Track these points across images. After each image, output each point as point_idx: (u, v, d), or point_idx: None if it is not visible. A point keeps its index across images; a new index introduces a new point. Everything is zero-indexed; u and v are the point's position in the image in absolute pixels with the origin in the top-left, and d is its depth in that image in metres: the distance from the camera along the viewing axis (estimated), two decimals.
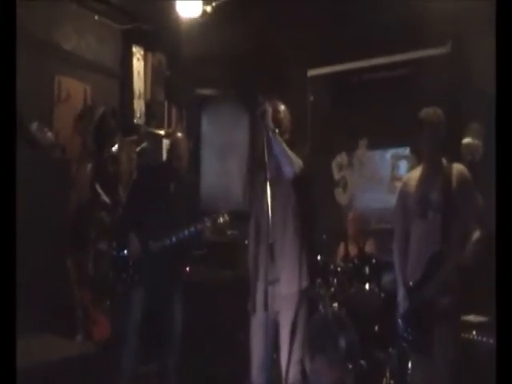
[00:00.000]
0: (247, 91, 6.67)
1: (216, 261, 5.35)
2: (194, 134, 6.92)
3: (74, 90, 5.57)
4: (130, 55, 6.30)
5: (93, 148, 5.33)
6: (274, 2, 5.89)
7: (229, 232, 5.57)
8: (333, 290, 4.79)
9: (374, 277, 4.79)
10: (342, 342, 4.48)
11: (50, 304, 4.17)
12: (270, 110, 3.26)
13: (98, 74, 5.96)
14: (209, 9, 5.95)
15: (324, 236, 4.86)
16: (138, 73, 6.34)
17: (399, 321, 3.37)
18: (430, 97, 4.71)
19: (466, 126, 5.20)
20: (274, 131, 3.23)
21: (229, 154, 6.91)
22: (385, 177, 6.14)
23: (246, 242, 3.74)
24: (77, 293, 4.60)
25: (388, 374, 4.29)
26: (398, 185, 3.88)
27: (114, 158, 5.48)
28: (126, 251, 4.07)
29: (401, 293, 3.37)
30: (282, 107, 3.54)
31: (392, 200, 3.76)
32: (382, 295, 4.67)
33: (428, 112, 3.34)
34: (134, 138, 5.90)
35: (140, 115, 6.25)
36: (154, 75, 6.52)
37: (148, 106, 6.35)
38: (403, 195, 3.49)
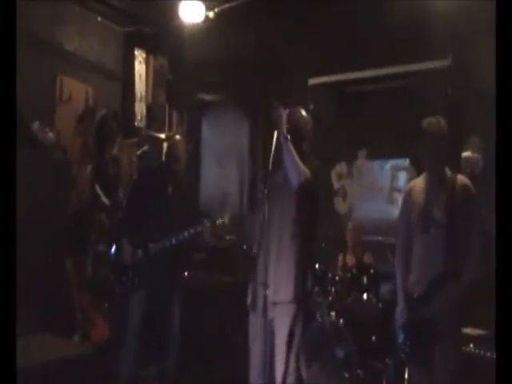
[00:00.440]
0: (248, 97, 6.70)
1: (215, 265, 5.35)
2: (195, 138, 6.93)
3: (76, 91, 5.56)
4: (131, 58, 6.30)
5: (93, 149, 5.32)
6: (277, 9, 5.91)
7: (227, 237, 5.57)
8: (330, 298, 4.79)
9: (372, 287, 4.80)
10: (339, 352, 4.50)
11: (48, 304, 4.14)
12: (284, 115, 3.23)
13: (100, 76, 5.95)
14: (211, 14, 5.96)
15: (323, 244, 4.87)
16: (140, 76, 6.34)
17: (398, 332, 3.34)
18: (430, 109, 4.74)
19: (466, 139, 5.24)
20: (286, 138, 3.16)
21: (228, 158, 6.93)
22: (384, 187, 6.17)
23: (245, 247, 3.73)
24: (76, 294, 4.57)
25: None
26: (400, 195, 3.85)
27: (115, 160, 5.46)
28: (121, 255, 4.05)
29: (401, 305, 3.34)
30: (303, 114, 3.47)
31: (391, 210, 3.77)
32: (380, 305, 4.69)
33: (431, 122, 3.27)
34: (135, 140, 5.90)
35: (141, 118, 6.25)
36: (156, 78, 6.52)
37: (149, 108, 6.35)
38: (406, 206, 3.43)
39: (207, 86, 6.90)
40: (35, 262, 4.07)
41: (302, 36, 6.04)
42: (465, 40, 5.32)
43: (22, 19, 4.87)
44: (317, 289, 4.75)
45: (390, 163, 6.15)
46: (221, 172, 6.95)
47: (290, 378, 3.32)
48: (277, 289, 3.23)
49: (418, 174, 3.60)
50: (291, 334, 3.28)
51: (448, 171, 3.28)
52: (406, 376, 3.74)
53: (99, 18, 5.96)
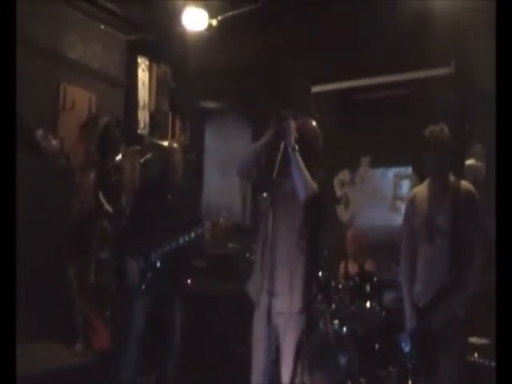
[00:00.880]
0: (251, 104, 6.71)
1: (217, 273, 5.34)
2: (197, 146, 6.94)
3: (79, 99, 5.58)
4: (135, 65, 6.32)
5: (96, 157, 5.33)
6: (280, 17, 5.93)
7: (230, 245, 5.56)
8: (334, 306, 4.78)
9: (376, 295, 4.79)
10: (342, 360, 4.49)
11: (51, 312, 4.13)
12: (293, 125, 3.20)
13: (103, 83, 5.97)
14: (214, 22, 5.98)
15: (325, 252, 4.86)
16: (143, 83, 6.36)
17: (404, 342, 3.32)
18: (432, 116, 4.74)
19: (469, 147, 5.23)
20: (294, 149, 3.12)
21: (231, 166, 6.91)
22: (387, 195, 6.15)
23: (247, 255, 3.70)
24: (78, 301, 4.56)
25: None
26: (403, 203, 3.83)
27: (118, 167, 5.47)
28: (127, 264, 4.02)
29: (407, 315, 3.32)
30: (313, 125, 3.40)
31: (394, 218, 3.75)
32: (383, 313, 4.67)
33: (434, 130, 3.26)
34: (138, 148, 5.90)
35: (144, 125, 6.26)
36: (159, 86, 6.53)
37: (152, 116, 6.36)
38: (409, 214, 3.41)
39: (210, 94, 6.91)
40: (37, 269, 4.07)
41: (305, 44, 6.06)
42: (467, 47, 5.32)
43: (25, 27, 4.94)
44: (320, 297, 4.74)
45: (393, 171, 6.15)
46: (223, 180, 6.94)
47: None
48: (285, 299, 3.19)
49: (421, 181, 3.56)
50: (300, 344, 3.24)
51: (452, 178, 3.27)
52: None
53: (102, 26, 5.98)
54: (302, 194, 3.12)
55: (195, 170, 6.73)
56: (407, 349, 3.24)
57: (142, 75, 6.36)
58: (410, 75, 5.94)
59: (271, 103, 6.33)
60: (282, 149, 3.09)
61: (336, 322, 4.68)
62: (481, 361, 3.84)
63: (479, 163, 5.13)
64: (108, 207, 5.15)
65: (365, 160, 6.34)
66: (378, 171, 6.27)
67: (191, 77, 6.68)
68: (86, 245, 4.89)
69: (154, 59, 6.51)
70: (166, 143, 6.11)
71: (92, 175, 5.19)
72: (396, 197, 6.03)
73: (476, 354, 3.87)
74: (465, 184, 3.25)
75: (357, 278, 4.92)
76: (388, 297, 4.78)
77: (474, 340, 3.93)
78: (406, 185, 5.97)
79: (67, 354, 4.15)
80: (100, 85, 5.90)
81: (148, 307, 4.00)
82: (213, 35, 6.06)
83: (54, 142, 4.94)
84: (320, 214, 3.41)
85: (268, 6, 5.72)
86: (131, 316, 3.99)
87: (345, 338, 4.53)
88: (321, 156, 3.41)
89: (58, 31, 5.50)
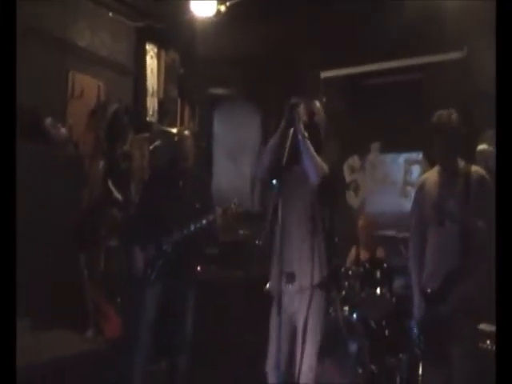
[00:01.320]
0: (260, 91, 6.68)
1: (227, 260, 5.34)
2: (206, 133, 6.92)
3: (88, 87, 5.58)
4: (143, 53, 6.30)
5: (105, 144, 5.33)
6: (288, 2, 5.88)
7: (241, 231, 5.55)
8: (344, 293, 4.77)
9: (386, 281, 4.76)
10: (352, 346, 4.49)
11: (62, 299, 4.16)
12: (302, 113, 3.18)
13: (112, 71, 5.96)
14: (223, 8, 5.95)
15: (336, 239, 4.84)
16: (152, 70, 6.34)
17: (413, 328, 3.32)
18: (444, 101, 4.68)
19: (481, 132, 5.17)
20: (304, 136, 3.12)
21: (240, 153, 6.91)
22: (397, 181, 6.12)
23: (257, 241, 3.69)
24: (89, 289, 4.58)
25: (398, 380, 4.26)
26: (413, 189, 3.80)
27: (127, 154, 5.47)
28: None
29: (416, 301, 3.31)
30: (318, 107, 3.37)
31: (404, 204, 3.73)
32: (394, 300, 4.65)
33: (442, 115, 3.24)
34: (147, 135, 5.90)
35: (153, 113, 6.25)
36: (168, 73, 6.51)
37: (161, 103, 6.35)
38: (419, 199, 3.39)
39: (219, 81, 6.87)
40: (47, 258, 4.09)
41: (314, 29, 6.01)
42: (480, 31, 5.24)
43: (33, 16, 4.93)
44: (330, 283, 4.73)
45: (404, 156, 6.10)
46: (232, 166, 6.93)
47: (305, 377, 3.28)
48: (304, 278, 3.19)
49: (432, 167, 3.54)
50: (306, 325, 3.23)
51: (461, 163, 3.24)
52: (420, 371, 3.71)
53: (111, 14, 5.97)
54: (313, 178, 3.13)
55: (205, 156, 6.71)
56: (416, 335, 3.24)
57: (151, 62, 6.34)
58: (420, 60, 5.87)
59: (280, 89, 6.30)
60: (291, 136, 3.09)
61: (346, 308, 4.67)
62: (493, 348, 3.81)
63: (491, 148, 5.07)
64: (117, 195, 5.16)
65: (375, 146, 6.29)
66: (388, 157, 6.22)
67: (200, 63, 6.65)
68: (95, 233, 4.90)
69: (162, 46, 6.49)
70: (175, 130, 6.12)
71: (101, 163, 5.19)
72: (406, 182, 5.99)
73: (488, 342, 3.85)
74: (476, 169, 3.23)
75: (367, 265, 4.90)
76: (398, 283, 4.76)
77: (485, 327, 3.90)
78: (416, 170, 5.92)
79: (79, 341, 4.17)
80: (108, 72, 5.90)
81: (159, 295, 4.01)
82: (221, 21, 6.02)
83: (63, 130, 4.95)
84: (331, 198, 3.40)
85: None
86: (142, 304, 3.99)
87: (355, 325, 4.52)
88: (328, 137, 3.40)
89: (67, 19, 5.50)
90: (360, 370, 4.35)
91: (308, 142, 3.11)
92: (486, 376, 3.31)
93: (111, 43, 6.00)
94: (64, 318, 4.06)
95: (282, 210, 3.01)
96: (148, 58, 6.31)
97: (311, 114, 3.28)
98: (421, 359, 3.56)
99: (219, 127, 7.16)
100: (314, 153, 3.13)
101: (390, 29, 5.55)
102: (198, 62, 6.65)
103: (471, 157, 4.84)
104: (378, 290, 4.73)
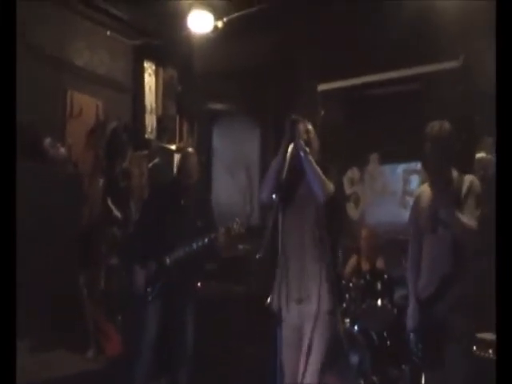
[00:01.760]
0: (258, 105, 6.70)
1: (228, 275, 5.33)
2: (206, 149, 6.94)
3: (86, 106, 5.61)
4: (141, 70, 6.35)
5: (104, 163, 5.35)
6: (285, 17, 5.92)
7: (240, 246, 5.55)
8: (345, 305, 4.76)
9: (387, 292, 4.75)
10: (354, 358, 4.47)
11: (62, 319, 4.16)
12: (302, 129, 3.20)
13: (110, 89, 6.00)
14: (220, 24, 5.98)
15: (340, 253, 4.85)
16: (150, 88, 6.38)
17: (410, 335, 3.32)
18: (442, 111, 4.70)
19: (480, 140, 5.18)
20: (305, 151, 3.14)
21: (239, 167, 6.92)
22: (396, 191, 6.11)
23: (257, 256, 3.67)
24: (89, 308, 4.59)
25: None
26: (411, 198, 3.82)
27: (126, 172, 5.49)
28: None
29: (411, 307, 3.33)
30: (310, 127, 3.35)
31: (404, 214, 3.74)
32: (395, 311, 4.64)
33: (434, 126, 3.28)
34: (146, 152, 5.92)
35: (151, 130, 6.28)
36: (166, 90, 6.55)
37: (159, 120, 6.38)
38: (415, 210, 3.44)
39: (217, 96, 6.90)
40: (46, 276, 4.10)
41: (311, 43, 6.04)
42: (476, 40, 5.26)
43: (32, 35, 4.99)
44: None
45: (402, 167, 6.10)
46: (232, 181, 6.94)
47: None
48: (313, 302, 3.18)
49: (429, 177, 3.57)
50: (311, 345, 3.22)
51: (455, 172, 3.26)
52: (423, 382, 3.69)
53: (108, 32, 6.01)
54: (320, 196, 3.13)
55: (204, 171, 6.73)
56: (413, 343, 3.24)
57: (149, 80, 6.38)
58: (417, 70, 5.88)
59: (278, 103, 6.33)
60: (290, 151, 3.10)
61: (347, 320, 4.66)
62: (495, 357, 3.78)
63: (489, 156, 5.07)
64: (117, 213, 5.17)
65: (373, 156, 6.29)
66: (387, 168, 6.22)
67: (198, 79, 6.68)
68: (95, 251, 4.91)
69: (160, 63, 6.54)
70: (173, 147, 6.15)
71: (100, 181, 5.21)
72: (406, 193, 5.98)
73: (490, 351, 3.82)
74: (469, 177, 3.25)
75: (368, 276, 4.89)
76: (399, 294, 4.74)
77: (487, 336, 3.89)
78: (415, 180, 5.91)
79: (79, 360, 4.17)
80: (107, 91, 5.94)
81: (160, 312, 4.00)
82: (218, 37, 6.06)
83: (62, 150, 4.98)
84: (334, 214, 3.41)
85: (274, 6, 5.72)
86: (143, 321, 4.00)
87: (356, 337, 4.51)
88: (323, 156, 3.42)
89: (65, 38, 5.55)
90: (362, 382, 4.33)
91: (310, 157, 3.13)
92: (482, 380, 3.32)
93: (109, 61, 6.04)
94: (64, 338, 4.06)
95: (282, 225, 3.01)
96: (146, 76, 6.35)
97: (307, 132, 3.31)
98: (422, 369, 3.55)
99: (218, 142, 7.18)
100: (318, 168, 3.14)
101: (384, 38, 5.58)
102: (196, 78, 6.69)
103: (468, 165, 4.86)
104: (379, 302, 4.72)
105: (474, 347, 3.03)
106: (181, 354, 4.04)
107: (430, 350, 3.20)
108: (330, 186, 3.17)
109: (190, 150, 4.41)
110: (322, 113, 6.21)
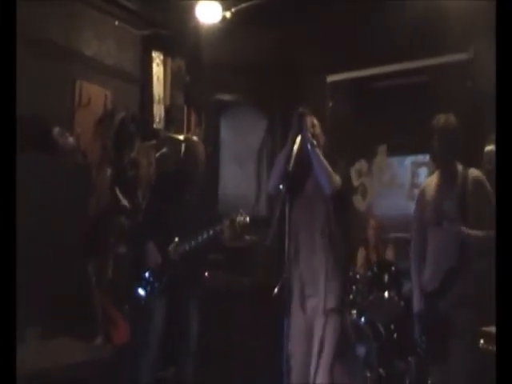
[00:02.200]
0: (266, 96, 6.69)
1: (234, 266, 5.34)
2: (213, 139, 6.94)
3: (95, 95, 5.60)
4: (149, 60, 6.32)
5: (112, 153, 5.36)
6: (294, 7, 5.89)
7: (247, 237, 5.55)
8: (351, 297, 4.77)
9: (394, 285, 4.77)
10: (361, 350, 4.48)
11: (70, 308, 4.18)
12: (309, 122, 3.20)
13: (118, 80, 5.98)
14: (228, 14, 5.96)
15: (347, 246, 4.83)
16: (158, 78, 6.36)
17: (414, 327, 3.35)
18: (450, 103, 4.68)
19: (489, 133, 5.15)
20: (312, 144, 3.15)
21: (247, 158, 6.92)
22: (404, 183, 6.11)
23: (264, 243, 3.66)
24: (97, 296, 4.61)
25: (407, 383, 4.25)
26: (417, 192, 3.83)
27: (134, 162, 5.50)
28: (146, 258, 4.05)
29: (416, 300, 3.35)
30: (316, 122, 3.42)
31: (411, 207, 3.74)
32: (402, 303, 4.64)
33: (440, 119, 3.30)
34: (153, 142, 5.92)
35: (159, 120, 6.26)
36: (174, 80, 6.52)
37: (167, 110, 6.36)
38: (420, 203, 3.47)
39: (225, 87, 6.89)
40: (56, 267, 4.11)
41: (319, 33, 6.01)
42: (486, 31, 5.22)
43: (40, 26, 4.99)
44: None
45: (410, 159, 6.10)
46: (239, 172, 6.94)
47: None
48: (320, 297, 3.18)
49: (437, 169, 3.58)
50: (323, 342, 3.23)
51: (460, 166, 3.28)
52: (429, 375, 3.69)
53: (117, 22, 5.99)
54: (327, 189, 3.14)
55: (211, 162, 6.73)
56: (418, 334, 3.26)
57: (157, 70, 6.36)
58: (426, 62, 5.86)
59: (286, 94, 6.32)
60: (298, 143, 3.11)
61: (354, 312, 4.67)
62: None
63: None
64: (125, 202, 5.18)
65: (382, 148, 6.29)
66: (395, 160, 6.22)
67: (206, 70, 6.67)
68: (103, 240, 4.93)
69: (168, 54, 6.50)
70: (181, 137, 6.15)
71: (108, 171, 5.22)
72: (414, 185, 5.97)
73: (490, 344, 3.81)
74: (473, 171, 3.26)
75: (375, 268, 4.90)
76: (406, 286, 4.75)
77: (493, 329, 3.87)
78: (423, 173, 5.91)
79: (88, 348, 4.19)
80: (115, 81, 5.91)
81: (166, 302, 4.03)
82: (227, 28, 6.04)
83: (71, 139, 4.97)
84: (342, 206, 3.41)
85: None
86: (151, 312, 4.02)
87: (363, 329, 4.52)
88: (332, 148, 3.42)
89: (73, 29, 5.53)
90: (368, 374, 4.34)
91: (317, 150, 3.13)
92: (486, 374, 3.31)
93: (117, 52, 6.02)
94: (73, 325, 4.08)
95: (289, 216, 3.02)
96: (154, 66, 6.33)
97: (313, 126, 3.32)
98: (427, 361, 3.56)
99: (225, 133, 7.18)
100: (326, 162, 3.15)
101: (393, 29, 5.54)
102: (204, 68, 6.67)
103: (476, 159, 4.84)
104: (386, 294, 4.74)
105: (481, 340, 3.02)
106: (186, 346, 4.06)
107: (433, 342, 3.22)
108: (337, 179, 3.18)
109: (195, 139, 4.42)
110: (331, 104, 6.20)
